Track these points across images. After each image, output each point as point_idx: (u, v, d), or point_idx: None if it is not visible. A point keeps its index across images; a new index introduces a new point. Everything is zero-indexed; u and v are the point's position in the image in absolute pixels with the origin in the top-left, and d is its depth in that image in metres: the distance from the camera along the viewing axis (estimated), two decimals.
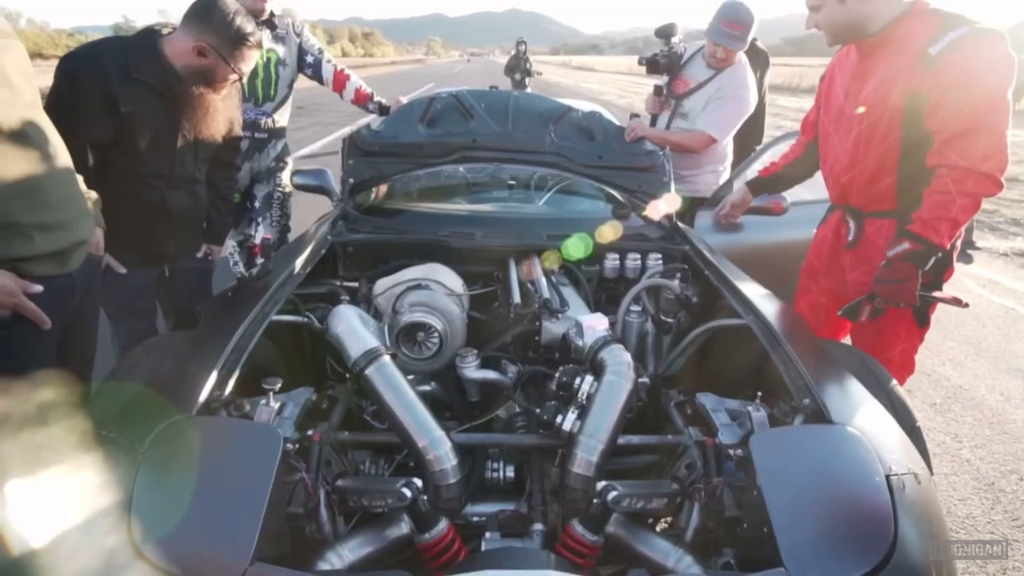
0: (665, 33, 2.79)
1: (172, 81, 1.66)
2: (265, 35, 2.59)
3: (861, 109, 1.67)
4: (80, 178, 1.43)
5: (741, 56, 2.72)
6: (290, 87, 2.77)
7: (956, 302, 1.67)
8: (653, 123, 2.91)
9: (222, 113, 1.81)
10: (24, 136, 1.23)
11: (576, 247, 1.85)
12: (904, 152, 1.61)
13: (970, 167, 1.47)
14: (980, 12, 1.60)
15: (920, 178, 1.57)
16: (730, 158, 2.97)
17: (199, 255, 2.05)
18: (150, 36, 1.69)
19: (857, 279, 1.79)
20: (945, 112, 1.49)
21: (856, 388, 1.24)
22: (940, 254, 1.56)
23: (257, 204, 2.87)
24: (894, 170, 1.65)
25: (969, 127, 1.47)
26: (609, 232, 1.88)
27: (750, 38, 2.64)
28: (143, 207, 1.76)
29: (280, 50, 2.65)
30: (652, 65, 2.81)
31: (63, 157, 1.35)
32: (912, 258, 1.55)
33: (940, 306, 1.75)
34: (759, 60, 3.60)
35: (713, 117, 2.64)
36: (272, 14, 2.62)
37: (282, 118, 2.79)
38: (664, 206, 2.04)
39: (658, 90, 2.87)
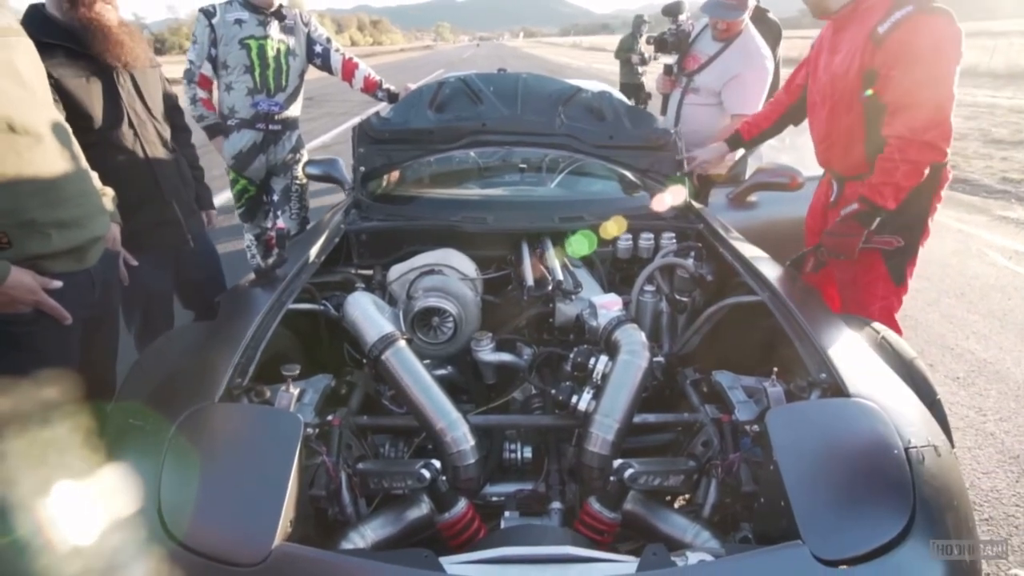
0: (672, 11, 2.76)
1: (69, 31, 1.65)
2: (274, 26, 2.61)
3: (869, 92, 1.72)
4: (95, 175, 1.45)
5: (747, 24, 2.67)
6: (301, 77, 2.78)
7: (888, 244, 1.81)
8: (665, 102, 2.87)
9: (127, 36, 1.74)
10: (39, 134, 1.25)
11: (580, 244, 1.84)
12: (868, 122, 1.74)
13: (913, 137, 1.60)
14: None
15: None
16: None
17: (205, 221, 2.16)
18: (34, 7, 1.69)
19: None
20: (891, 86, 1.63)
21: (874, 361, 1.23)
22: (884, 215, 1.71)
23: (275, 198, 2.90)
24: (863, 139, 1.77)
25: (912, 100, 1.60)
26: (613, 228, 1.86)
27: (751, 2, 2.58)
28: (130, 175, 1.77)
29: (290, 41, 2.67)
30: (660, 44, 2.77)
31: (77, 154, 1.37)
32: (859, 217, 1.72)
33: (964, 278, 1.76)
34: (771, 33, 3.51)
35: (738, 98, 2.62)
36: (281, 5, 2.63)
37: (294, 109, 2.81)
38: (670, 198, 2.01)
39: (668, 69, 2.83)
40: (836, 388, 1.11)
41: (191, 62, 2.63)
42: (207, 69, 2.62)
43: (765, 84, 2.67)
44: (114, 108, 1.75)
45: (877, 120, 1.70)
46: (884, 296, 1.88)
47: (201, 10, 2.58)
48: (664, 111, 2.88)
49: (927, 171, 1.65)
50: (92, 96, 1.70)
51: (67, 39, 1.65)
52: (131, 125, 1.79)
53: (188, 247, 2.01)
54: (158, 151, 1.89)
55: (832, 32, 1.83)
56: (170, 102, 2.05)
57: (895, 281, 1.86)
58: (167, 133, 1.96)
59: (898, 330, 1.87)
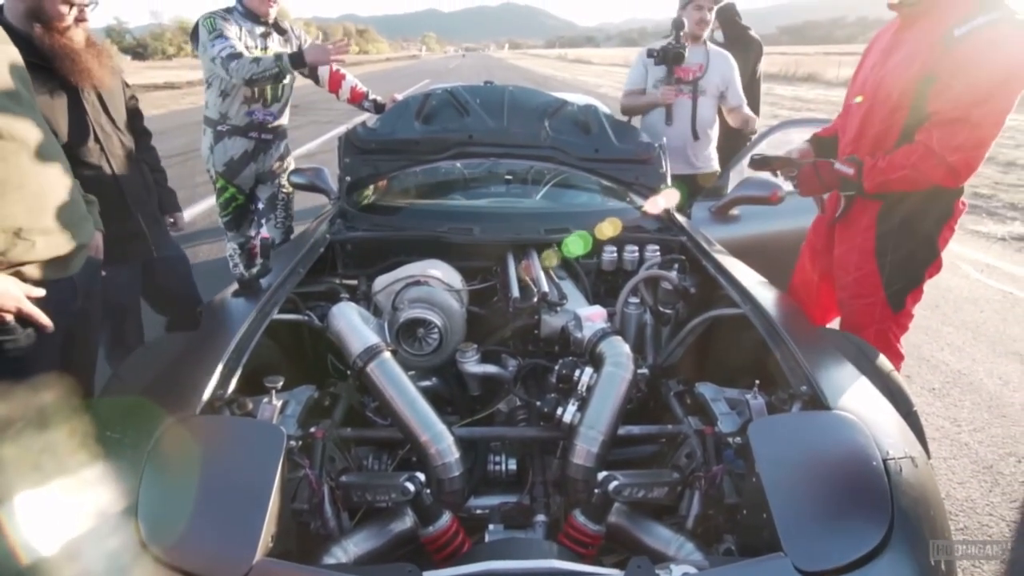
0: (679, 25, 2.86)
1: (32, 46, 1.59)
2: (275, 38, 2.64)
3: (859, 99, 1.71)
4: (78, 182, 1.43)
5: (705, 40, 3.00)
6: (291, 87, 2.79)
7: (822, 205, 1.92)
8: (669, 112, 2.93)
9: (94, 62, 1.73)
10: (25, 140, 1.23)
11: (576, 244, 1.86)
12: (904, 134, 1.62)
13: (939, 151, 1.50)
14: None
15: None
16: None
17: (170, 221, 2.17)
18: None
19: (842, 255, 1.85)
20: (946, 96, 1.49)
21: (853, 374, 1.25)
22: (858, 191, 1.71)
23: (261, 206, 2.88)
24: (892, 148, 1.66)
25: (959, 116, 1.48)
26: (609, 229, 1.88)
27: None
28: (96, 189, 1.70)
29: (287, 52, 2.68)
30: (676, 56, 2.84)
31: (62, 161, 1.36)
32: (843, 180, 1.71)
33: (938, 291, 1.78)
34: (752, 49, 3.60)
35: (738, 90, 2.99)
36: (276, 18, 2.64)
37: (284, 118, 2.82)
38: (663, 201, 2.05)
39: (670, 80, 2.92)
40: (816, 400, 1.13)
41: (232, 47, 2.41)
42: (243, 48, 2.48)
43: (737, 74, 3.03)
44: (80, 123, 1.74)
45: (913, 133, 1.59)
46: (880, 320, 1.78)
47: (215, 14, 2.52)
48: (669, 120, 2.95)
49: (928, 189, 1.60)
50: (57, 112, 1.67)
51: (31, 53, 1.57)
52: (97, 140, 1.78)
53: (152, 257, 2.01)
54: (123, 164, 1.88)
55: (895, 30, 1.68)
56: (131, 105, 2.04)
57: (893, 308, 1.76)
58: (131, 144, 1.96)
59: (898, 358, 1.81)
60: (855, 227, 1.79)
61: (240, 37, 2.53)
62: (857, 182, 1.66)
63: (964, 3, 1.49)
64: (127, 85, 2.05)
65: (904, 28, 1.65)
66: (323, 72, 2.81)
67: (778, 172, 1.96)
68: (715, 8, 2.94)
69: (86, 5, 1.68)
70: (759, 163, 2.00)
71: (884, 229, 1.72)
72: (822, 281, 1.98)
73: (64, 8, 1.62)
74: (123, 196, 1.87)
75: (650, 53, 2.92)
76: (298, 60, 2.40)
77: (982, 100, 1.46)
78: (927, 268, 1.74)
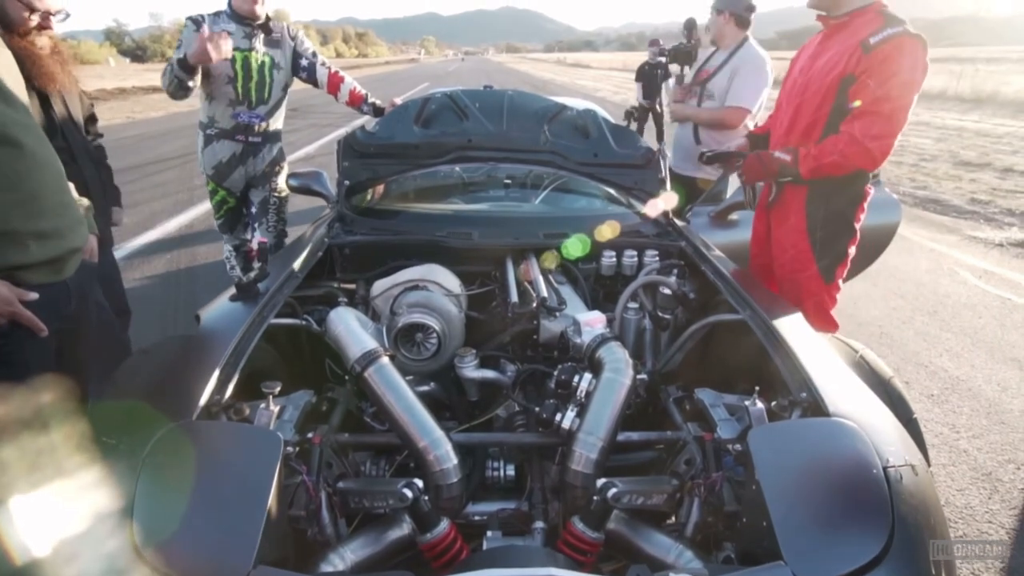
0: (691, 25, 2.90)
1: None
2: (260, 39, 2.61)
3: (857, 103, 1.80)
4: (72, 185, 1.43)
5: (748, 38, 2.91)
6: (284, 91, 2.77)
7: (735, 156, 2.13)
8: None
9: (58, 68, 1.80)
10: (20, 144, 1.23)
11: (575, 247, 1.86)
12: (828, 126, 1.88)
13: (861, 139, 1.77)
14: (917, 5, 1.74)
15: None
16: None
17: (112, 221, 2.25)
18: None
19: (780, 236, 2.08)
20: (864, 91, 1.77)
21: (853, 381, 1.25)
22: (795, 176, 1.92)
23: (253, 210, 2.87)
24: (817, 139, 1.90)
25: (876, 109, 1.76)
26: (607, 231, 1.89)
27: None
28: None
29: (275, 54, 2.66)
30: (686, 56, 2.88)
31: (56, 165, 1.35)
32: (783, 165, 1.93)
33: (936, 297, 1.82)
34: None
35: (738, 92, 2.87)
36: (268, 18, 2.62)
37: (276, 122, 2.79)
38: (662, 203, 2.06)
39: (680, 80, 2.95)
40: (816, 407, 1.12)
41: (173, 59, 2.47)
42: None
43: (762, 85, 2.90)
44: (49, 123, 1.80)
45: (837, 123, 1.84)
46: (816, 293, 2.02)
47: (190, 17, 2.56)
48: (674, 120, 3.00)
49: (851, 173, 1.86)
50: (31, 111, 1.71)
51: None
52: (64, 138, 1.84)
53: (108, 255, 2.09)
54: (87, 162, 1.97)
55: (820, 39, 1.97)
56: (88, 111, 2.12)
57: (825, 279, 2.01)
58: (89, 144, 2.04)
59: (834, 326, 2.04)
60: (788, 209, 2.03)
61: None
62: (794, 168, 1.89)
63: (876, 18, 1.81)
64: (84, 92, 2.14)
65: (828, 37, 1.94)
66: (322, 74, 2.81)
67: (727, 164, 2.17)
68: (721, 12, 2.89)
69: (52, 14, 1.73)
70: (711, 159, 2.21)
71: (812, 210, 1.98)
72: (768, 263, 2.17)
73: (26, 13, 1.67)
74: (88, 194, 1.90)
75: (664, 52, 2.97)
76: (184, 64, 2.37)
77: (894, 96, 1.74)
78: (848, 243, 1.99)
